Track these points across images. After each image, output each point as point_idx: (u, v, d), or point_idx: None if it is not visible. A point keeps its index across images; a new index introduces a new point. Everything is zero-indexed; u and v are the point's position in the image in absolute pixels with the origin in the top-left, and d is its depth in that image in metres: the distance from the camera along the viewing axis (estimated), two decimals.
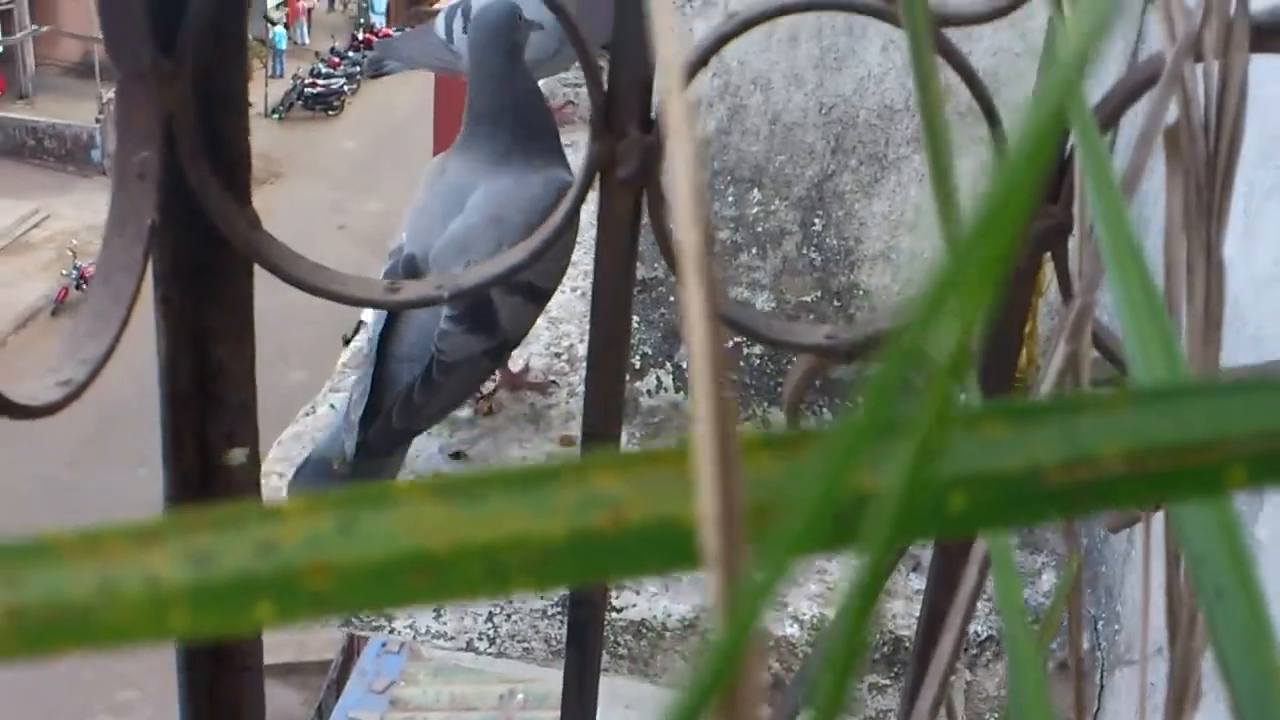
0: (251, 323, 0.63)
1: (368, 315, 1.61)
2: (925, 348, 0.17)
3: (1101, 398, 0.20)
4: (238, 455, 0.65)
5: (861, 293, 1.50)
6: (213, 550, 0.17)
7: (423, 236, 1.55)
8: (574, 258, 1.67)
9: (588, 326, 1.75)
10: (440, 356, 1.49)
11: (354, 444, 1.44)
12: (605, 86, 0.61)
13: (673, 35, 0.25)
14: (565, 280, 1.66)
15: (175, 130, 0.56)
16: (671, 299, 1.53)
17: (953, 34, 0.61)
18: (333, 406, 1.57)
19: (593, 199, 0.63)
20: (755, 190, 1.45)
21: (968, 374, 0.32)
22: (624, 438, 1.40)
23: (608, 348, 0.69)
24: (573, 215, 0.64)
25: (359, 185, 20.94)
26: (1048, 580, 1.42)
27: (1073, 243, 0.58)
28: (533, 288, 1.55)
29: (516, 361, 1.72)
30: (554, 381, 1.74)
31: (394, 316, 1.53)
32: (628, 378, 1.44)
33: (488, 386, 1.67)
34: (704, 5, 1.35)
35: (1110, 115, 0.62)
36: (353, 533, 0.17)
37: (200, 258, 0.60)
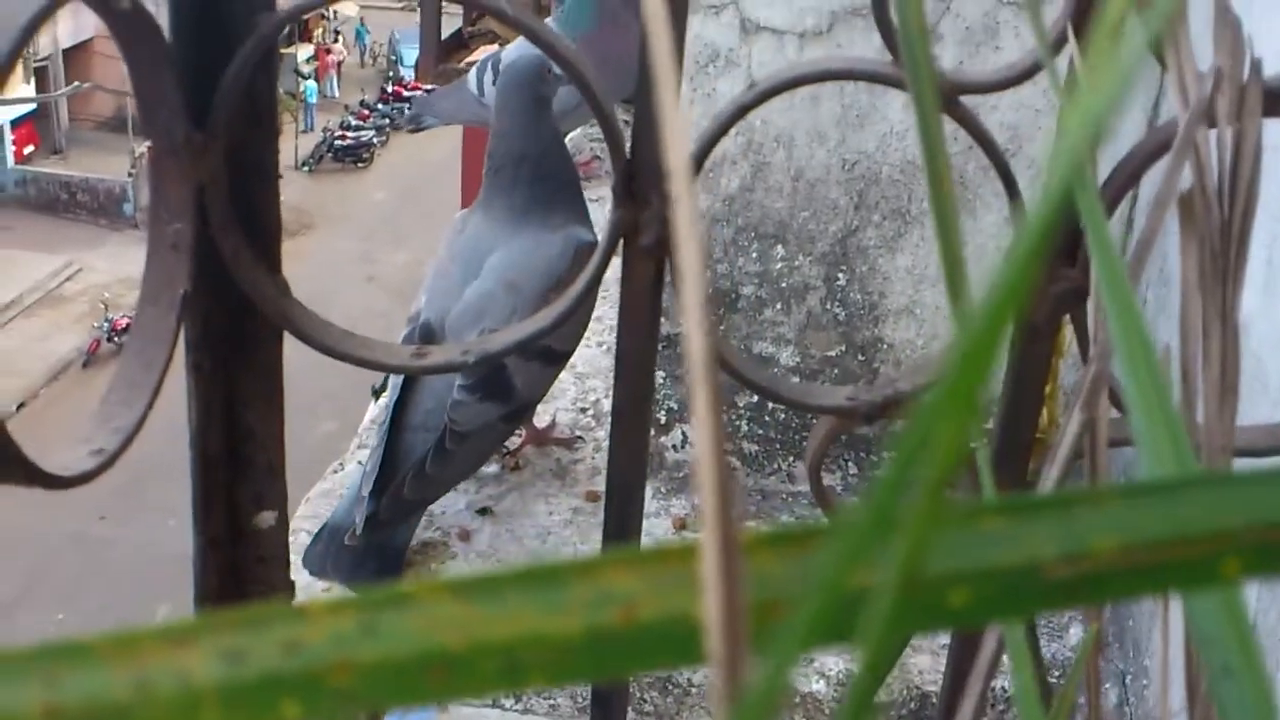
0: (281, 388, 0.64)
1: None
2: (926, 450, 0.17)
3: (1097, 492, 0.21)
4: (266, 518, 0.66)
5: (886, 347, 1.50)
6: (242, 650, 0.17)
7: (439, 301, 1.55)
8: (599, 312, 1.68)
9: (613, 381, 1.73)
10: (454, 426, 1.48)
11: (364, 518, 1.42)
12: (628, 155, 0.62)
13: (682, 127, 0.26)
14: (590, 335, 1.68)
15: (207, 202, 0.57)
16: None
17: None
18: (360, 464, 1.58)
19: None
20: (779, 246, 1.46)
21: (964, 468, 0.32)
22: (649, 493, 1.40)
23: (632, 410, 0.69)
24: (594, 283, 0.65)
25: (388, 236, 21.07)
26: (1075, 634, 1.41)
27: (1091, 305, 0.59)
28: (550, 351, 1.54)
29: (543, 417, 1.73)
30: (580, 437, 1.73)
31: (408, 386, 1.53)
32: (653, 433, 1.45)
33: (514, 442, 1.67)
34: (727, 65, 1.37)
35: (1125, 183, 0.62)
36: (374, 632, 0.17)
37: (231, 325, 0.61)
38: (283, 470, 0.66)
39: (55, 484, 0.53)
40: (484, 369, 1.44)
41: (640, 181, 0.62)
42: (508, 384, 1.50)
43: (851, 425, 0.70)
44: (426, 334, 1.53)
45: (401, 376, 1.53)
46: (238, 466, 0.65)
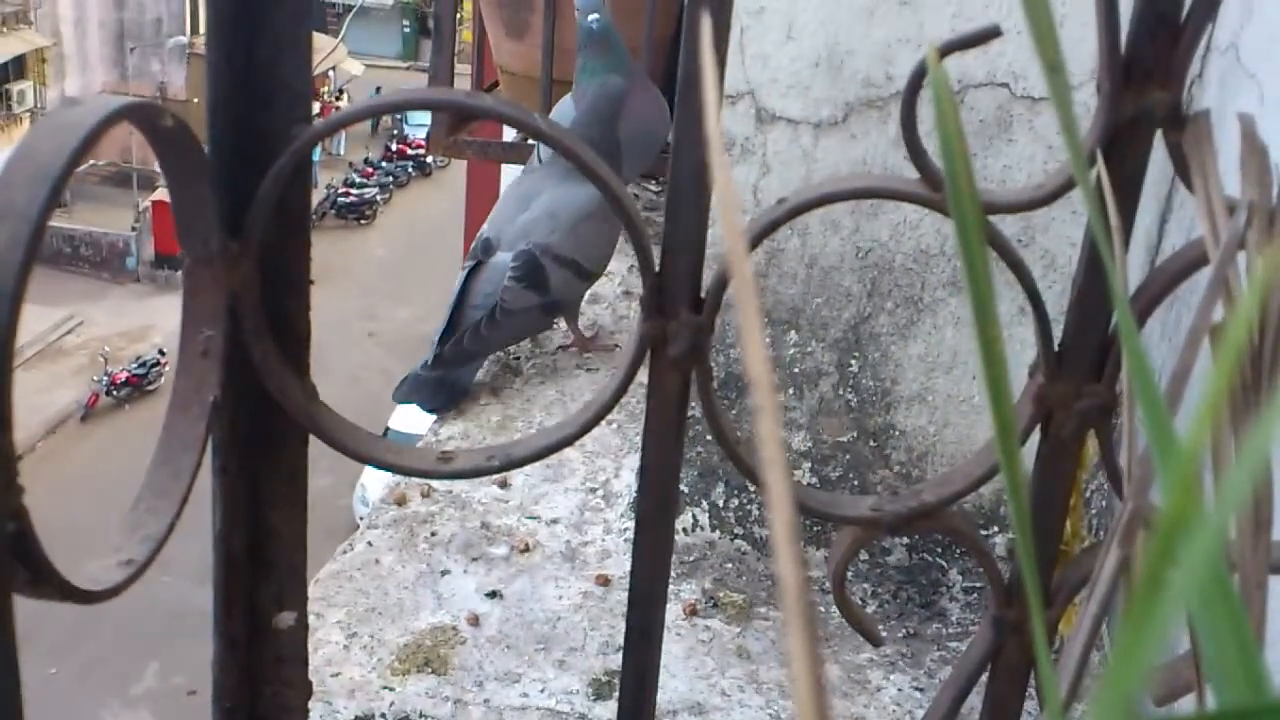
0: (305, 489, 0.64)
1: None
2: None
3: None
4: (286, 619, 0.66)
5: (898, 434, 1.50)
6: None
7: (497, 225, 2.11)
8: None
9: (623, 460, 1.73)
10: (503, 303, 2.01)
11: (433, 354, 2.00)
12: (657, 268, 0.62)
13: (738, 225, 0.26)
14: None
15: (239, 309, 0.58)
16: (709, 437, 1.55)
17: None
18: (370, 544, 1.58)
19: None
20: (792, 331, 1.46)
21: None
22: None
23: (656, 518, 0.70)
24: (620, 392, 0.65)
25: (389, 292, 21.14)
26: None
27: (1125, 429, 0.59)
28: (580, 267, 2.07)
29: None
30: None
31: (469, 278, 2.06)
32: None
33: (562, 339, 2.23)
34: (743, 154, 1.38)
35: (1155, 297, 0.63)
36: None
37: (258, 428, 0.61)
38: (304, 570, 0.66)
39: (88, 599, 0.53)
40: (527, 267, 2.02)
41: (669, 295, 0.63)
42: (545, 281, 2.04)
43: (875, 535, 0.70)
44: (485, 247, 2.09)
45: (467, 269, 2.08)
46: (260, 567, 0.65)
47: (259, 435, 0.62)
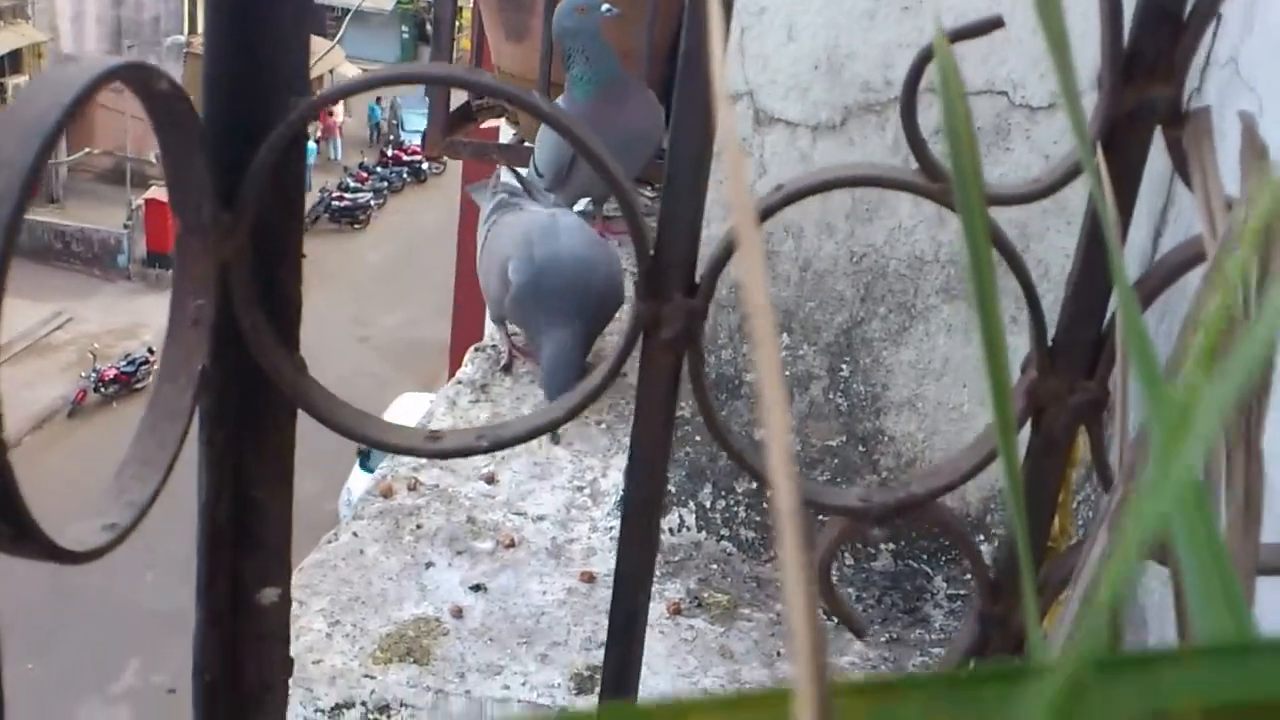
0: (292, 466, 0.64)
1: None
2: None
3: (1178, 653, 0.20)
4: (270, 595, 0.65)
5: (887, 439, 1.50)
6: None
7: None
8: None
9: (610, 460, 1.72)
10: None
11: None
12: (651, 251, 0.62)
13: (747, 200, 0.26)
14: (589, 413, 1.68)
15: (230, 279, 0.57)
16: (698, 438, 1.55)
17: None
18: (355, 534, 1.57)
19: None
20: (784, 335, 1.46)
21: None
22: None
23: (644, 498, 0.69)
24: (612, 375, 0.65)
25: (381, 298, 21.11)
26: None
27: (1117, 421, 0.59)
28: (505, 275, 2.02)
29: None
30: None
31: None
32: None
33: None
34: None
35: (1149, 295, 0.63)
36: None
37: (246, 401, 0.61)
38: (288, 548, 0.65)
39: (70, 559, 0.53)
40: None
41: (663, 278, 0.63)
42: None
43: (863, 527, 0.69)
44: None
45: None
46: (244, 542, 0.64)
47: (247, 408, 0.62)
